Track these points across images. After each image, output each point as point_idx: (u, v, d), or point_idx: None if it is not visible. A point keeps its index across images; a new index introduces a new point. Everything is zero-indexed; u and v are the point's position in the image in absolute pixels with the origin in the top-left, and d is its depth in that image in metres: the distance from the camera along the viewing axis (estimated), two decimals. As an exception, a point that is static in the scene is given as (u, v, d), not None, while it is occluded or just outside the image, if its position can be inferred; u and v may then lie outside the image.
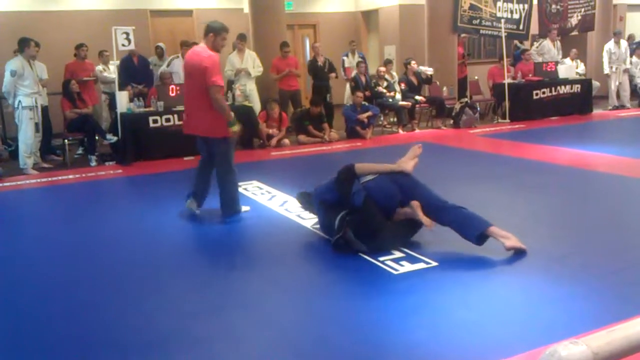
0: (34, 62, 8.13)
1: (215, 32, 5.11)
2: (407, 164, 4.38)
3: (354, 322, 3.17)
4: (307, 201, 4.83)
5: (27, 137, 7.95)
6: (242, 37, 10.20)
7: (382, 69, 11.06)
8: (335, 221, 4.21)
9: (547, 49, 12.59)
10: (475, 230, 4.05)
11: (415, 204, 4.22)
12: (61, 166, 8.44)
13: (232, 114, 5.14)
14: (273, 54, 10.44)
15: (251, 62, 10.09)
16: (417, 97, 10.60)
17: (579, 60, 13.45)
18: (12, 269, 4.31)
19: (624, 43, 12.63)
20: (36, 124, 8.02)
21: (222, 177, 5.28)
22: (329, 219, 4.33)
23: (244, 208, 5.44)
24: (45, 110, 8.57)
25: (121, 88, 9.24)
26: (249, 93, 9.93)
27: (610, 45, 12.54)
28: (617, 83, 12.52)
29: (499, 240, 4.02)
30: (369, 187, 4.25)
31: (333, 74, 10.72)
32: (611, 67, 12.45)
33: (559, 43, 12.93)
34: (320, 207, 4.50)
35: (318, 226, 4.76)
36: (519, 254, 4.01)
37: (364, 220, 4.16)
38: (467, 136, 9.85)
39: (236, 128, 5.14)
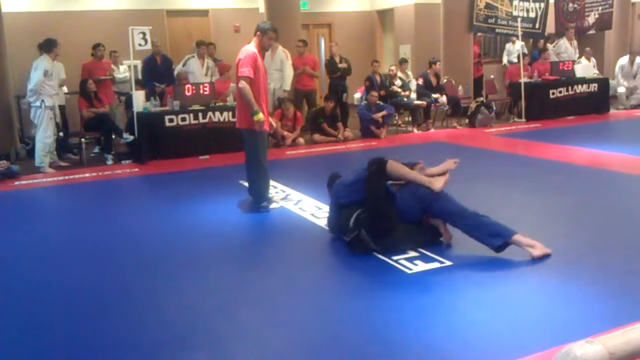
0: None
1: (262, 32, 5.48)
2: (438, 181, 4.21)
3: (368, 321, 3.17)
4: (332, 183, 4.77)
5: (46, 137, 8.03)
6: None
7: (393, 67, 11.04)
8: (350, 220, 4.21)
9: (564, 48, 12.49)
10: (498, 239, 3.97)
11: (440, 222, 4.26)
12: (78, 165, 8.52)
13: (255, 103, 5.28)
14: (289, 54, 10.42)
15: (278, 62, 9.92)
16: (434, 96, 10.56)
17: (593, 59, 13.34)
18: (27, 266, 4.36)
19: (638, 61, 12.50)
20: (57, 124, 8.10)
21: (249, 170, 5.62)
22: (343, 218, 4.32)
23: (273, 205, 5.61)
24: (62, 109, 8.65)
25: (144, 87, 9.31)
26: (274, 92, 10.00)
27: (624, 61, 12.44)
28: (624, 90, 12.44)
29: (525, 249, 3.93)
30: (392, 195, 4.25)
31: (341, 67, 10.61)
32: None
33: (575, 42, 12.82)
34: (335, 206, 4.49)
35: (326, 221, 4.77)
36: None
37: (378, 219, 4.15)
38: (483, 135, 9.80)
39: (257, 118, 5.27)
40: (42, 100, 7.95)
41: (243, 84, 5.25)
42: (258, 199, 5.58)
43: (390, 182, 4.33)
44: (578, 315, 3.10)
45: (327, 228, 4.77)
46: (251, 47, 5.44)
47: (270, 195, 5.74)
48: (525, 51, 12.73)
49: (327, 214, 4.76)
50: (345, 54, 11.03)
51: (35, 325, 3.32)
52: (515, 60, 12.67)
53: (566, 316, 3.10)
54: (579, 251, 4.09)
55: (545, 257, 3.91)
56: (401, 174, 4.30)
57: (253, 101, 5.26)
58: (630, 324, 1.26)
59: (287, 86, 10.01)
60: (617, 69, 12.53)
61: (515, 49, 12.81)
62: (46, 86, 7.95)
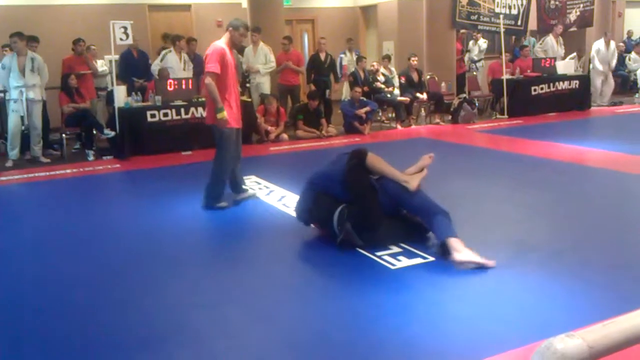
0: (28, 55, 8.10)
1: (233, 28, 5.39)
2: (414, 180, 4.18)
3: (351, 317, 3.17)
4: None
5: (9, 129, 8.09)
6: (255, 30, 10.21)
7: (375, 64, 11.07)
8: (334, 216, 4.19)
9: (551, 45, 12.62)
10: (437, 237, 4.01)
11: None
12: (59, 160, 8.43)
13: (220, 100, 5.22)
14: (272, 48, 10.42)
15: (263, 57, 10.13)
16: (418, 95, 10.60)
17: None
18: (6, 264, 4.30)
19: (612, 44, 12.61)
20: (22, 117, 8.03)
21: (213, 165, 5.52)
22: (324, 210, 4.28)
23: (222, 204, 5.47)
24: (42, 104, 8.56)
25: (121, 82, 9.22)
26: (259, 86, 10.17)
27: (600, 45, 12.54)
28: (601, 81, 12.51)
29: (452, 252, 3.83)
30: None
31: (335, 86, 10.77)
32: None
33: (561, 39, 12.96)
34: (310, 193, 4.41)
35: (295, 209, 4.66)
36: (513, 252, 4.01)
37: (364, 214, 4.14)
38: (466, 132, 9.85)
39: (221, 116, 5.22)
40: (8, 94, 8.02)
41: (209, 80, 5.21)
42: (206, 195, 5.46)
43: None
44: (559, 310, 3.13)
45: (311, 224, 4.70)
46: (220, 43, 5.38)
47: (249, 193, 5.70)
48: (483, 48, 12.91)
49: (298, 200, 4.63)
50: (328, 49, 11.02)
51: (13, 323, 3.28)
52: (476, 58, 12.79)
53: (547, 311, 3.12)
54: (560, 246, 4.12)
55: (481, 268, 3.72)
56: (379, 168, 4.29)
57: (218, 98, 5.22)
58: (610, 318, 1.27)
59: (269, 69, 10.21)
60: (593, 52, 12.62)
61: (479, 47, 12.93)
62: (10, 79, 7.97)
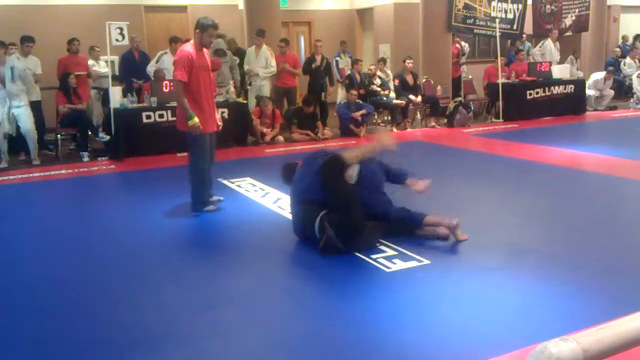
0: (7, 63, 7.93)
1: (201, 29, 5.19)
2: (386, 137, 4.44)
3: (345, 320, 3.17)
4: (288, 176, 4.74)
5: None
6: (258, 33, 10.19)
7: (372, 67, 11.08)
8: (315, 223, 4.18)
9: (549, 50, 12.67)
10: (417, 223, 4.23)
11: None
12: (53, 161, 8.40)
13: (189, 107, 5.10)
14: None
15: (264, 60, 10.14)
16: (411, 97, 10.61)
17: (572, 58, 13.54)
18: (1, 265, 4.28)
19: (609, 82, 12.62)
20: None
21: (189, 171, 5.46)
22: (306, 217, 4.28)
23: (210, 208, 5.43)
24: (37, 104, 8.52)
25: (121, 83, 9.19)
26: (259, 89, 10.17)
27: (598, 77, 12.56)
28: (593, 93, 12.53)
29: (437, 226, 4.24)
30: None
31: (331, 89, 10.78)
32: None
33: (558, 43, 13.01)
34: (301, 207, 4.42)
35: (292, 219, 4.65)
36: (507, 255, 4.02)
37: (345, 218, 4.13)
38: (461, 135, 9.87)
39: (192, 123, 5.11)
40: None
41: (176, 90, 5.15)
42: (193, 201, 5.42)
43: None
44: (553, 314, 3.14)
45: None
46: (186, 47, 5.23)
47: (214, 199, 5.62)
48: (465, 51, 12.96)
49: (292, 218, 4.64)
50: (325, 52, 11.03)
51: (7, 323, 3.27)
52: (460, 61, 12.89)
53: (541, 314, 3.13)
54: (554, 250, 4.14)
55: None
56: (355, 157, 4.38)
57: (186, 105, 5.09)
58: (604, 323, 1.27)
59: (269, 73, 10.18)
60: (590, 82, 12.66)
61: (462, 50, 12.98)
62: None
